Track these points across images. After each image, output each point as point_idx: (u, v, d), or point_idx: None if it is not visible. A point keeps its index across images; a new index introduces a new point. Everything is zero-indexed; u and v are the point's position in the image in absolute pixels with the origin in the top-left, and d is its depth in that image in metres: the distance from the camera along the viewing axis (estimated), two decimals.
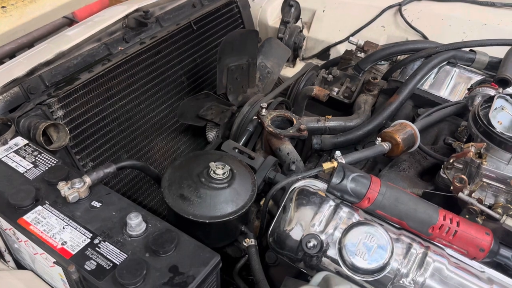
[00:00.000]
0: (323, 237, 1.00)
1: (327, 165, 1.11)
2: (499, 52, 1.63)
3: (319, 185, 1.13)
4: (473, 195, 1.06)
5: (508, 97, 1.16)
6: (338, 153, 1.14)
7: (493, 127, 1.07)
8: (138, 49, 1.59)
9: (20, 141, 1.21)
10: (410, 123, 1.26)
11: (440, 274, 0.94)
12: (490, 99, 1.17)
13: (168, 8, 1.83)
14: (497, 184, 1.07)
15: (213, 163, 1.14)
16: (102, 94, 1.49)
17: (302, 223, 1.03)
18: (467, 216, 1.09)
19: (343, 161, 1.12)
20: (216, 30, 1.95)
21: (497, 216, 1.02)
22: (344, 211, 1.03)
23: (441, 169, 1.19)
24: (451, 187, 1.10)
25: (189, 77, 1.84)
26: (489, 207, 1.06)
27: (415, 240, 1.00)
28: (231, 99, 1.67)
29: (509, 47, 1.55)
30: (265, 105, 1.44)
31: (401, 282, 0.93)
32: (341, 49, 2.28)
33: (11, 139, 1.20)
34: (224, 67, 1.58)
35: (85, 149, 1.45)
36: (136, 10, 1.66)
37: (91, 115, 1.46)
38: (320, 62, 2.31)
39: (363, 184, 1.02)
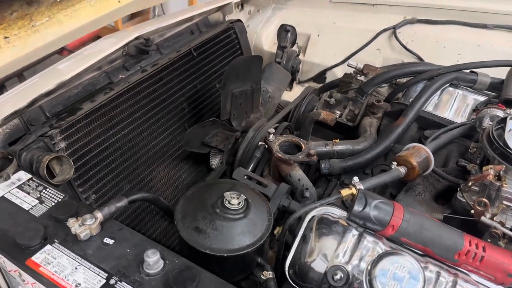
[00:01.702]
0: (349, 268, 0.96)
1: (345, 192, 1.09)
2: (497, 73, 1.66)
3: (337, 213, 1.10)
4: (495, 218, 1.05)
5: None
6: (356, 179, 1.11)
7: (510, 149, 1.07)
8: (140, 77, 1.56)
9: (23, 175, 1.15)
10: (424, 147, 1.26)
11: None
12: (502, 120, 1.17)
13: (167, 35, 1.83)
14: None
15: (227, 193, 1.10)
16: (104, 124, 1.45)
17: (325, 254, 1.00)
18: (489, 240, 1.08)
19: (362, 187, 1.10)
20: (215, 56, 1.94)
21: None
22: (368, 240, 1.00)
23: (458, 192, 1.18)
24: (472, 211, 1.08)
25: (190, 103, 1.81)
26: (511, 230, 1.05)
27: (442, 267, 0.97)
28: (235, 125, 1.64)
29: (509, 68, 1.57)
30: (272, 130, 1.42)
31: None
32: (337, 72, 2.30)
33: (13, 173, 1.15)
34: (229, 93, 1.56)
35: (87, 181, 1.39)
36: (136, 38, 1.64)
37: (94, 146, 1.41)
38: (316, 85, 2.32)
39: (386, 211, 1.00)
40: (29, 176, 1.15)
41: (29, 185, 1.12)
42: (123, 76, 1.59)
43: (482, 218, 1.04)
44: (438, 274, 0.94)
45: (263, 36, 2.42)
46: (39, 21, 1.18)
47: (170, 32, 1.84)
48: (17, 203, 1.06)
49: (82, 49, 1.54)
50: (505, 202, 1.06)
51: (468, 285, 0.94)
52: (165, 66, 1.67)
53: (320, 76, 2.34)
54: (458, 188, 1.19)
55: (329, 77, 2.33)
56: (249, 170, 1.44)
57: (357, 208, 1.01)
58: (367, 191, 1.06)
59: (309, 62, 2.35)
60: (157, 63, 1.66)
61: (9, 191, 1.09)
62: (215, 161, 1.68)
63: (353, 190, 1.09)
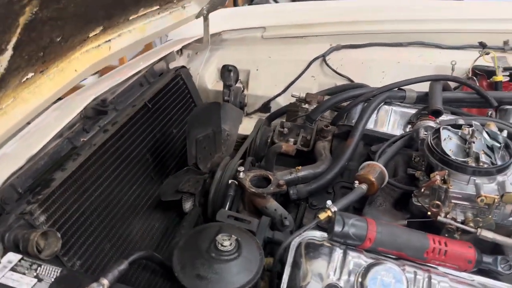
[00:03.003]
0: (341, 284, 1.09)
1: (323, 215, 1.23)
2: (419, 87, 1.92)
3: (317, 235, 1.24)
4: (448, 215, 1.24)
5: (450, 127, 1.39)
6: (329, 202, 1.26)
7: (448, 155, 1.28)
8: (104, 137, 1.60)
9: (13, 257, 1.15)
10: (377, 163, 1.44)
11: None
12: (437, 131, 1.39)
13: (118, 91, 1.88)
14: (464, 203, 1.27)
15: (219, 236, 1.19)
16: (78, 190, 1.47)
17: (318, 275, 1.12)
18: (446, 235, 1.27)
19: (335, 209, 1.25)
20: (168, 104, 2.03)
21: (473, 229, 1.20)
22: (352, 255, 1.14)
23: (412, 198, 1.37)
24: (428, 212, 1.27)
25: (152, 153, 1.88)
26: (462, 223, 1.25)
27: (416, 266, 1.14)
28: (202, 167, 1.73)
29: (429, 82, 1.83)
30: (242, 168, 1.54)
31: None
32: (280, 101, 2.48)
33: (1, 257, 1.15)
34: (193, 139, 1.65)
35: (70, 249, 1.40)
36: (92, 100, 1.68)
37: (71, 213, 1.43)
38: (263, 115, 2.48)
39: (362, 227, 1.15)
40: (19, 256, 1.15)
41: (21, 265, 1.12)
42: (85, 139, 1.62)
43: (438, 217, 1.23)
44: (415, 273, 1.11)
45: (205, 77, 2.54)
46: (5, 103, 1.20)
47: (120, 88, 1.90)
48: (16, 286, 1.06)
49: (40, 118, 1.55)
50: (453, 201, 1.26)
51: (440, 277, 1.11)
52: (125, 123, 1.72)
53: (265, 107, 2.51)
54: (412, 194, 1.38)
55: (274, 106, 2.50)
56: (226, 208, 1.54)
57: (337, 228, 1.15)
58: (341, 212, 1.21)
59: (253, 95, 2.50)
60: (116, 121, 1.71)
61: (3, 276, 1.09)
62: (187, 205, 1.75)
63: (329, 213, 1.24)
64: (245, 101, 2.37)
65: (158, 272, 1.50)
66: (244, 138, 2.05)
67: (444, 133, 1.37)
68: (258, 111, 2.53)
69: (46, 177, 1.42)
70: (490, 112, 1.88)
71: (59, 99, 1.57)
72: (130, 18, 1.71)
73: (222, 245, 1.18)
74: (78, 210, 1.46)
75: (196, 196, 1.70)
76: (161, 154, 1.92)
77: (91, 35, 1.50)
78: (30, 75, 1.25)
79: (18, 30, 0.99)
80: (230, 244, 1.19)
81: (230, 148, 2.00)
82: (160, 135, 1.94)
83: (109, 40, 1.65)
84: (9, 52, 1.03)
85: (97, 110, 1.68)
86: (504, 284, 1.14)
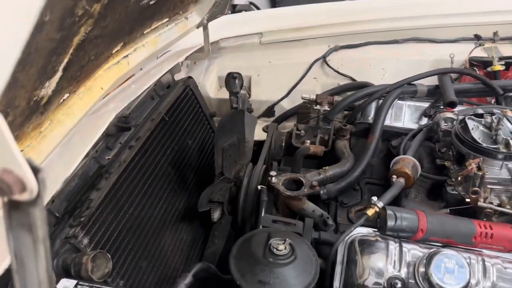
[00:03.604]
0: (402, 276, 1.13)
1: (371, 212, 1.26)
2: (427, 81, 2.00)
3: (364, 231, 1.27)
4: (486, 201, 1.30)
5: (474, 117, 1.46)
6: (374, 198, 1.29)
7: (480, 143, 1.34)
8: (132, 154, 1.58)
9: (67, 283, 1.12)
10: (409, 157, 1.49)
11: (501, 273, 1.13)
12: (462, 121, 1.46)
13: (132, 106, 1.86)
14: (498, 187, 1.33)
15: (272, 240, 1.20)
16: (113, 209, 1.44)
17: (377, 270, 1.15)
18: (484, 219, 1.33)
19: (382, 204, 1.28)
20: (181, 115, 2.01)
21: (511, 211, 1.27)
22: (407, 248, 1.18)
23: (447, 187, 1.42)
24: (466, 199, 1.32)
25: (173, 166, 1.86)
26: (499, 206, 1.31)
27: (468, 251, 1.19)
28: (228, 175, 1.73)
29: (437, 75, 1.91)
30: (274, 173, 1.55)
31: None
32: (284, 105, 2.51)
33: (56, 283, 1.12)
34: (219, 148, 1.66)
35: (113, 269, 1.36)
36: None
37: (110, 233, 1.40)
38: (267, 120, 2.51)
39: (413, 219, 1.19)
40: (74, 281, 1.12)
41: None
42: (109, 157, 1.60)
43: (479, 203, 1.28)
44: (469, 258, 1.15)
45: (207, 86, 2.54)
46: (44, 126, 1.17)
47: (134, 103, 1.88)
48: None
49: (66, 139, 1.52)
50: (489, 186, 1.32)
51: (493, 259, 1.16)
52: (147, 137, 1.71)
53: (269, 111, 2.53)
54: (445, 183, 1.43)
55: (277, 110, 2.53)
56: (262, 214, 1.55)
57: (390, 223, 1.18)
58: (390, 206, 1.25)
59: (257, 100, 2.52)
60: (138, 136, 1.69)
61: None
62: (216, 214, 1.75)
63: (376, 209, 1.27)
64: (251, 107, 2.38)
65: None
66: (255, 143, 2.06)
67: (470, 123, 1.43)
68: (262, 116, 2.55)
69: (82, 198, 1.39)
70: (493, 101, 1.98)
71: None
72: (145, 32, 1.69)
73: (277, 249, 1.19)
74: (116, 230, 1.43)
75: (224, 204, 1.70)
76: (180, 166, 1.91)
77: (114, 51, 1.48)
78: (66, 96, 1.23)
79: (71, 51, 0.97)
80: (285, 248, 1.20)
81: (249, 154, 2.01)
82: (178, 147, 1.92)
83: (127, 56, 1.63)
84: (59, 74, 1.01)
85: (119, 127, 1.66)
86: None
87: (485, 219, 1.32)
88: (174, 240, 1.75)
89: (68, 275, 1.17)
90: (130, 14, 1.35)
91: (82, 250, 1.27)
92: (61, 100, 1.21)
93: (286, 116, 2.36)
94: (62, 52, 0.94)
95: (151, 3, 1.41)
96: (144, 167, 1.66)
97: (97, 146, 1.60)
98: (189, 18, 2.17)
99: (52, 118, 1.22)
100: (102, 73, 1.49)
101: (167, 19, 1.86)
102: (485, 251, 1.22)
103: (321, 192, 1.63)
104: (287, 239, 1.21)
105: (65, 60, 0.98)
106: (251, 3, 4.20)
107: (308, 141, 1.97)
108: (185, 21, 2.14)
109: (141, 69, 1.92)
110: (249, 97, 2.38)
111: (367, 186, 1.74)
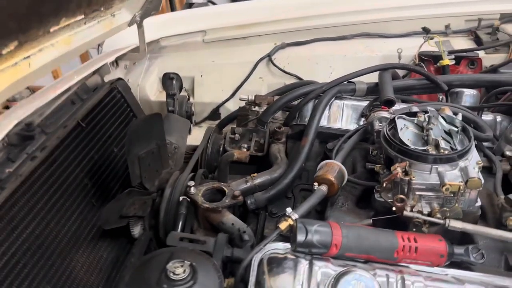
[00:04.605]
0: None
1: (283, 225, 1.12)
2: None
3: (280, 246, 1.13)
4: (413, 209, 1.17)
5: (405, 116, 1.33)
6: (289, 209, 1.15)
7: (407, 145, 1.21)
8: (32, 166, 1.41)
9: None
10: (335, 161, 1.35)
11: None
12: (392, 121, 1.33)
13: (47, 112, 1.69)
14: (428, 193, 1.20)
15: (169, 264, 1.05)
16: (4, 229, 1.27)
17: None
18: (414, 230, 1.20)
19: (296, 216, 1.14)
20: (105, 121, 1.85)
21: (441, 221, 1.14)
22: (318, 265, 1.03)
23: (375, 194, 1.29)
24: (393, 208, 1.19)
25: (91, 177, 1.69)
26: (428, 215, 1.18)
27: (388, 269, 1.05)
28: (149, 187, 1.58)
29: (377, 72, 1.78)
30: (192, 183, 1.40)
31: None
32: (229, 106, 2.37)
33: None
34: (134, 157, 1.50)
35: None
36: (16, 125, 1.49)
37: None
38: (213, 123, 2.36)
39: (326, 233, 1.05)
40: None
41: None
42: (11, 170, 1.43)
43: (404, 212, 1.15)
44: (387, 276, 1.02)
45: (146, 87, 2.39)
46: None
47: (49, 109, 1.71)
48: None
49: None
50: (417, 193, 1.19)
51: (413, 277, 1.02)
52: (56, 146, 1.54)
53: (214, 114, 2.38)
54: (374, 190, 1.30)
55: (223, 112, 2.38)
56: (179, 229, 1.40)
57: (300, 238, 1.04)
58: (303, 219, 1.11)
59: (200, 102, 2.38)
60: (45, 146, 1.52)
61: None
62: (136, 230, 1.59)
63: (290, 221, 1.13)
64: (192, 109, 2.23)
65: None
66: (195, 149, 1.92)
67: (399, 123, 1.30)
68: (207, 119, 2.42)
69: None
70: (441, 97, 1.86)
71: None
72: (51, 30, 1.53)
73: (174, 274, 1.04)
74: (7, 253, 1.26)
75: (145, 219, 1.55)
76: (102, 177, 1.75)
77: (4, 52, 1.31)
78: None
79: None
80: (184, 271, 1.05)
81: (180, 161, 1.86)
82: (99, 156, 1.76)
83: (28, 56, 1.47)
84: None
85: (21, 136, 1.49)
86: (477, 274, 1.08)
87: (414, 230, 1.19)
88: (90, 259, 1.58)
89: None
90: (11, 9, 1.18)
91: None
92: None
93: (230, 118, 2.21)
94: None
95: None
96: (50, 180, 1.49)
97: None
98: (116, 15, 2.01)
99: None
100: None
101: (82, 16, 1.69)
102: (411, 267, 1.09)
103: (248, 202, 1.49)
104: (186, 261, 1.06)
105: None
106: (209, 1, 4.06)
107: (245, 146, 1.83)
108: (111, 18, 1.98)
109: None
110: (189, 99, 2.22)
111: (302, 193, 1.59)
